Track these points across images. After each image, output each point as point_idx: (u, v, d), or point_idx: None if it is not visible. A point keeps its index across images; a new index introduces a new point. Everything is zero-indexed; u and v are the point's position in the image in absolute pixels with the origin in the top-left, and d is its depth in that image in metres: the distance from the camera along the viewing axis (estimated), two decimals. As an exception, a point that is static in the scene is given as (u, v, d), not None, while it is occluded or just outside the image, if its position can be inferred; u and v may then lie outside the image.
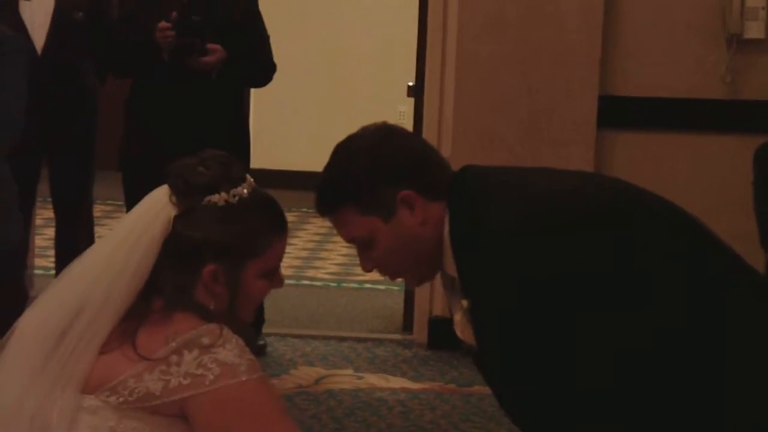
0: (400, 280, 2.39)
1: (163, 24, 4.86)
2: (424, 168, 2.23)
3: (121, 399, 2.06)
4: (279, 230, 2.19)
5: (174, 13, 4.91)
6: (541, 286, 2.07)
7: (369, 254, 2.25)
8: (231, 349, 2.07)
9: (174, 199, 2.14)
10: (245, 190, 2.16)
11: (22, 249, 4.34)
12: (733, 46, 5.52)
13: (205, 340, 2.07)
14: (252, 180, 2.18)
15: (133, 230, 2.15)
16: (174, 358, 2.06)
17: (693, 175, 5.61)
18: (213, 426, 2.08)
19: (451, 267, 2.20)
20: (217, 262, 2.13)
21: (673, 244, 2.17)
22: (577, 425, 2.09)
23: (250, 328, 2.19)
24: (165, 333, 2.08)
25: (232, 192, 2.15)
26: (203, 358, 2.06)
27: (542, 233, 2.10)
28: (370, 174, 2.22)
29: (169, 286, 2.13)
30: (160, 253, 2.12)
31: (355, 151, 2.26)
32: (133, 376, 2.06)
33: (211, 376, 2.06)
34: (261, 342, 5.37)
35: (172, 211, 2.14)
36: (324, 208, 2.28)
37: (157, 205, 2.15)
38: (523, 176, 2.33)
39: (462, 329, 2.26)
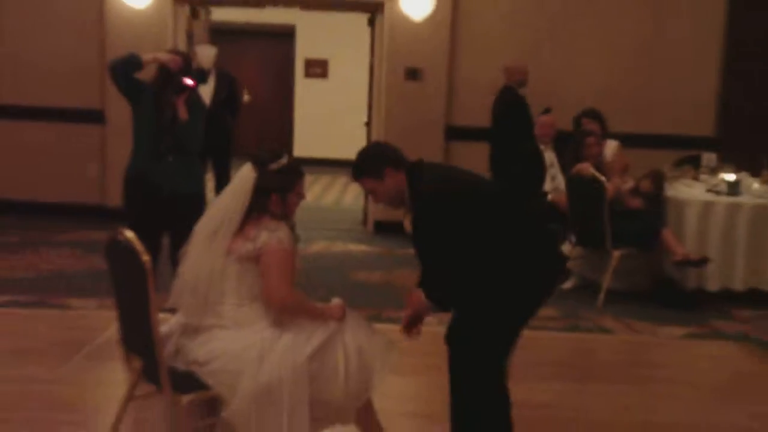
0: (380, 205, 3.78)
1: None
2: (396, 158, 3.70)
3: (236, 255, 3.43)
4: (299, 175, 3.51)
5: None
6: (443, 213, 3.55)
7: (375, 196, 3.71)
8: (284, 234, 3.41)
9: (254, 169, 3.42)
10: (283, 161, 3.44)
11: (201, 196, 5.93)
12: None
13: (272, 226, 3.41)
14: (286, 155, 3.38)
15: (239, 185, 3.48)
16: (255, 233, 3.41)
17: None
18: (264, 264, 3.35)
19: (407, 203, 3.71)
20: (276, 193, 3.45)
21: (499, 202, 3.75)
22: (454, 279, 3.68)
23: (294, 223, 3.31)
24: (257, 226, 3.40)
25: (278, 162, 3.43)
26: (271, 235, 3.40)
27: (446, 195, 3.60)
28: (377, 162, 3.67)
29: (258, 205, 3.45)
30: (252, 194, 3.47)
31: (373, 151, 3.77)
32: (240, 245, 3.41)
33: (274, 242, 3.37)
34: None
35: (253, 175, 3.45)
36: (355, 177, 3.73)
37: (248, 172, 3.48)
38: (441, 169, 3.84)
39: (407, 225, 3.67)
